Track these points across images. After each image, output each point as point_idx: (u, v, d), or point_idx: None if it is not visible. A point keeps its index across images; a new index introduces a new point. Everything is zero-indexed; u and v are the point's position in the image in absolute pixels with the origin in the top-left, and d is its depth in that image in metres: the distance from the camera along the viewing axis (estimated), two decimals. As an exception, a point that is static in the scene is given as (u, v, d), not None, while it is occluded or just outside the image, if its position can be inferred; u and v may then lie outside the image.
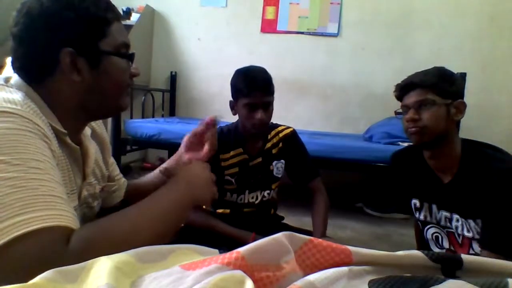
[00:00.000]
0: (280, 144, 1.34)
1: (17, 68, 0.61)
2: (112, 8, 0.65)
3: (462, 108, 1.02)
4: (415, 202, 1.16)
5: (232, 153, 1.28)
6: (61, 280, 0.35)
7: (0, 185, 0.44)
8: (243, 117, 1.21)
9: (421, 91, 1.01)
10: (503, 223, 0.93)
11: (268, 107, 1.20)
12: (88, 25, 0.60)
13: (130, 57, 0.67)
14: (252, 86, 1.16)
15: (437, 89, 1.00)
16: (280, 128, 1.37)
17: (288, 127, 1.38)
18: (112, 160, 0.85)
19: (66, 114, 0.61)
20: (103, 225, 0.52)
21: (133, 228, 0.53)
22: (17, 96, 0.53)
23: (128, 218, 0.54)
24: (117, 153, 2.53)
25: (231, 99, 1.25)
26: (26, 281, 0.33)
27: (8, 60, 0.64)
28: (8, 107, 0.50)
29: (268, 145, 1.32)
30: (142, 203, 0.58)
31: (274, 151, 1.33)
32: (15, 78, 0.60)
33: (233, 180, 1.29)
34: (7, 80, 0.60)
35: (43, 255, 0.44)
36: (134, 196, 0.85)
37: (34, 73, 0.60)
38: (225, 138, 1.28)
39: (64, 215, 0.48)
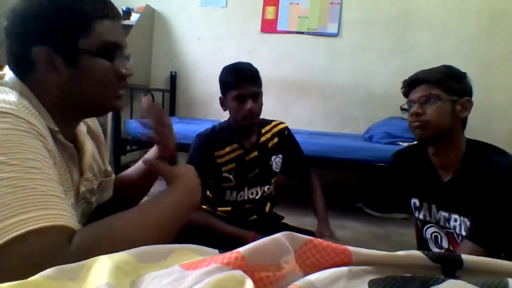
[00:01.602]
0: (276, 139, 1.36)
1: (7, 63, 0.61)
2: (100, 6, 0.62)
3: (467, 105, 1.01)
4: (415, 201, 1.16)
5: (227, 149, 1.28)
6: (61, 278, 0.35)
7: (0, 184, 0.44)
8: (233, 110, 1.23)
9: (427, 86, 1.01)
10: (493, 219, 0.93)
11: (257, 98, 1.22)
12: (67, 22, 0.58)
13: (110, 58, 0.63)
14: (240, 77, 1.19)
15: (443, 85, 1.00)
16: (274, 123, 1.39)
17: (282, 122, 1.41)
18: (106, 159, 0.85)
19: (55, 112, 0.61)
20: (106, 226, 0.52)
21: (136, 230, 0.53)
22: (12, 96, 0.53)
23: (131, 220, 0.54)
24: (117, 153, 2.53)
25: (221, 96, 1.28)
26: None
27: None
28: (2, 107, 0.50)
29: (263, 139, 1.34)
30: (144, 205, 0.58)
31: (270, 145, 1.35)
32: (9, 74, 0.60)
33: (231, 177, 1.29)
34: (1, 76, 0.60)
35: (44, 254, 0.44)
36: (120, 188, 0.86)
37: (18, 69, 0.60)
38: (218, 135, 1.30)
39: (63, 214, 0.48)
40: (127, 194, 0.86)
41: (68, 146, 0.64)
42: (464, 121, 1.05)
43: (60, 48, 0.58)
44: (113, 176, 0.88)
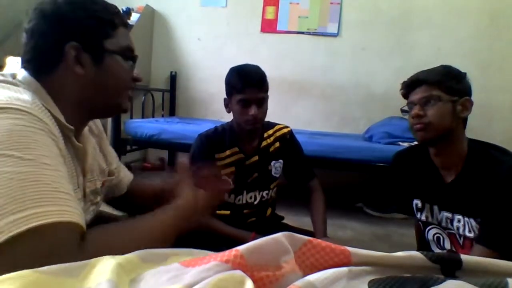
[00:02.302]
0: (277, 144, 1.33)
1: (25, 61, 0.64)
2: (120, 15, 0.71)
3: (468, 105, 1.01)
4: (417, 202, 1.15)
5: (228, 152, 1.27)
6: (60, 274, 0.35)
7: (13, 178, 0.45)
8: (237, 114, 1.21)
9: (427, 87, 1.01)
10: (501, 221, 0.93)
11: (262, 103, 1.20)
12: (95, 24, 0.65)
13: (133, 59, 0.72)
14: (246, 82, 1.17)
15: (443, 85, 0.99)
16: (277, 127, 1.36)
17: (286, 127, 1.38)
18: (112, 153, 0.88)
19: (70, 110, 0.63)
20: (118, 231, 0.59)
21: (134, 240, 0.58)
22: (26, 96, 0.55)
23: (142, 228, 0.62)
24: (117, 153, 2.52)
25: (225, 97, 1.26)
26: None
27: (8, 60, 0.65)
28: (17, 104, 0.51)
29: (264, 143, 1.32)
30: (145, 219, 0.65)
31: (271, 150, 1.32)
32: (22, 73, 0.62)
33: (230, 180, 1.28)
34: (13, 76, 0.62)
35: (56, 248, 0.45)
36: (135, 195, 0.93)
37: (40, 65, 0.63)
38: (220, 137, 1.28)
39: (74, 212, 0.49)
40: (138, 201, 0.93)
41: (78, 147, 0.66)
42: (464, 121, 1.04)
43: (88, 46, 0.64)
44: (128, 174, 0.93)
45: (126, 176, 0.93)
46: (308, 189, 1.37)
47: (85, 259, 0.39)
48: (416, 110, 1.01)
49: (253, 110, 1.17)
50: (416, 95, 1.03)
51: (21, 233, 0.43)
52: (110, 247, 0.51)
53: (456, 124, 1.01)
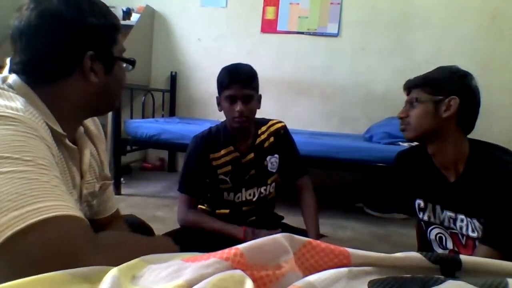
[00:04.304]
0: (272, 139, 1.33)
1: (24, 67, 0.60)
2: (117, 17, 0.71)
3: (452, 104, 0.98)
4: (419, 202, 1.15)
5: (223, 151, 1.27)
6: (75, 275, 0.37)
7: (14, 177, 0.46)
8: (225, 111, 1.23)
9: (415, 90, 1.05)
10: (505, 221, 0.93)
11: (248, 101, 1.20)
12: (107, 32, 0.66)
13: (133, 63, 0.74)
14: (232, 78, 1.19)
15: (429, 87, 1.02)
16: (271, 123, 1.37)
17: (279, 122, 1.38)
18: (107, 164, 0.84)
19: (66, 115, 0.63)
20: (124, 238, 0.64)
21: (135, 250, 0.59)
22: (19, 103, 0.55)
23: (139, 242, 0.65)
24: (117, 153, 2.53)
25: (217, 95, 1.27)
26: (48, 265, 0.37)
27: (8, 61, 0.64)
28: (11, 112, 0.52)
29: (259, 140, 1.32)
30: (144, 238, 0.70)
31: (265, 145, 1.33)
32: (12, 77, 0.61)
33: (227, 179, 1.29)
34: (4, 80, 0.60)
35: (65, 240, 0.46)
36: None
37: (47, 74, 0.62)
38: (214, 137, 1.29)
39: (75, 208, 0.50)
40: None
41: (72, 149, 0.66)
42: (463, 121, 1.02)
43: (100, 55, 0.65)
44: (112, 180, 0.88)
45: (112, 199, 0.85)
46: (298, 186, 1.37)
47: (96, 252, 0.43)
48: (400, 112, 1.08)
49: (238, 106, 1.18)
50: (407, 98, 1.08)
51: (28, 226, 0.43)
52: (118, 249, 0.54)
53: (441, 124, 1.00)
